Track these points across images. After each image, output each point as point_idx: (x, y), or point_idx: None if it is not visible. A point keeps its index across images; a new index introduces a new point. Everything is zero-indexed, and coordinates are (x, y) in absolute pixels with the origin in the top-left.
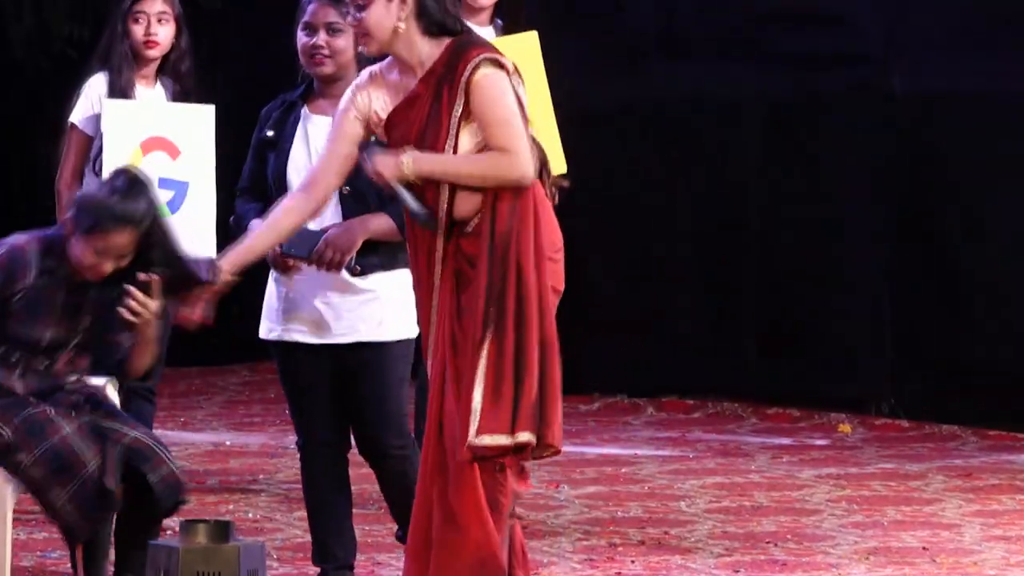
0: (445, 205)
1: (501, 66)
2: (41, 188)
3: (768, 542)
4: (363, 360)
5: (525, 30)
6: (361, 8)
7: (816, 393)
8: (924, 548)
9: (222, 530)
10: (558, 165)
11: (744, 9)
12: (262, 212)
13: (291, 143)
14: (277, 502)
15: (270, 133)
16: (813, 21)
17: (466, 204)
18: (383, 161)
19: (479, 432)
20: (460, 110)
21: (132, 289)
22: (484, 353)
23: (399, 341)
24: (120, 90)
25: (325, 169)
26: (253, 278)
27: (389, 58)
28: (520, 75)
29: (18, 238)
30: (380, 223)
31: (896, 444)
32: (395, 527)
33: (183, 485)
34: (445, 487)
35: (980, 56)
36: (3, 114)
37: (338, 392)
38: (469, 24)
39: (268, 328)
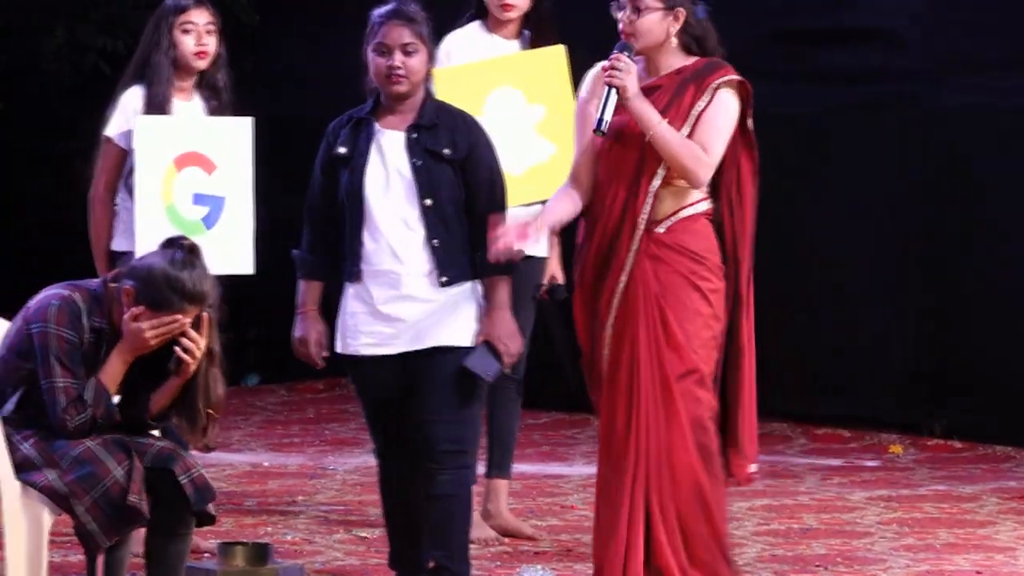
0: (652, 201)
1: (743, 97)
2: (74, 203)
3: (818, 565)
4: (433, 364)
5: (554, 44)
6: (638, 11)
7: (866, 413)
8: (977, 572)
9: (260, 553)
10: None
11: (782, 24)
12: (327, 266)
13: (366, 159)
14: (316, 524)
15: (342, 150)
16: (850, 36)
17: (661, 203)
18: (626, 66)
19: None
20: (703, 106)
21: (188, 329)
22: (746, 378)
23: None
24: (158, 103)
25: (584, 160)
26: (286, 301)
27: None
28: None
29: (59, 291)
30: (505, 290)
31: (948, 465)
32: None
33: (212, 489)
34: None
35: (1018, 72)
36: (36, 128)
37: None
38: (495, 37)
39: (345, 342)
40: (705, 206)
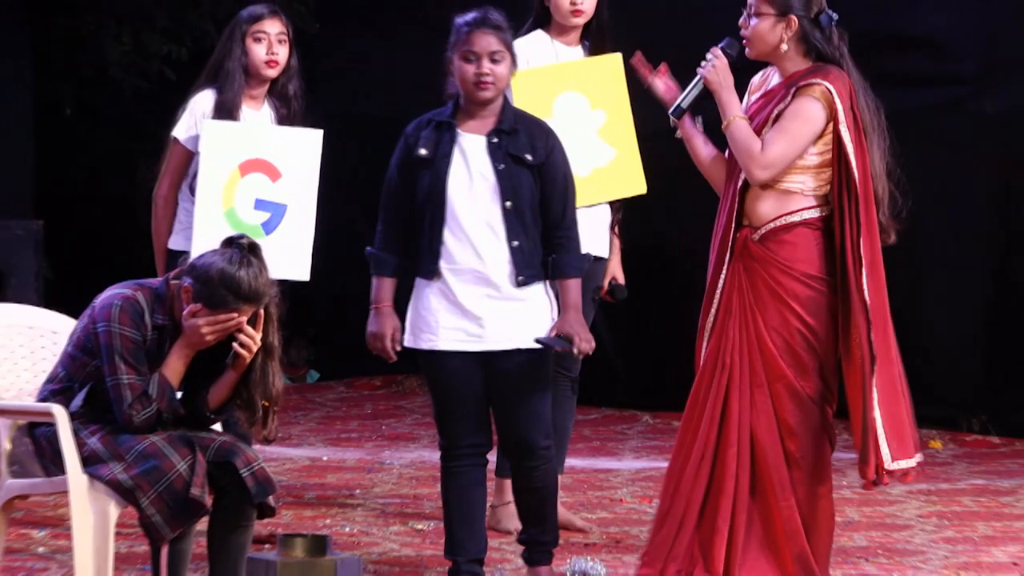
0: (737, 201)
1: (828, 104)
2: (139, 207)
3: (859, 557)
4: (519, 364)
5: (611, 52)
6: (752, 16)
7: None
8: (1015, 564)
9: (319, 544)
10: (638, 186)
11: (846, 28)
12: (401, 263)
13: (449, 162)
14: (374, 516)
15: (424, 152)
16: (905, 42)
17: (762, 205)
18: (714, 58)
19: (894, 458)
20: (782, 108)
21: (245, 325)
22: (875, 379)
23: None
24: (227, 109)
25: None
26: (351, 299)
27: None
28: (859, 124)
29: (123, 291)
30: (578, 291)
31: (987, 460)
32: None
33: (273, 482)
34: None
35: None
36: (101, 134)
37: (486, 397)
38: (557, 43)
39: (421, 337)
40: (810, 214)
